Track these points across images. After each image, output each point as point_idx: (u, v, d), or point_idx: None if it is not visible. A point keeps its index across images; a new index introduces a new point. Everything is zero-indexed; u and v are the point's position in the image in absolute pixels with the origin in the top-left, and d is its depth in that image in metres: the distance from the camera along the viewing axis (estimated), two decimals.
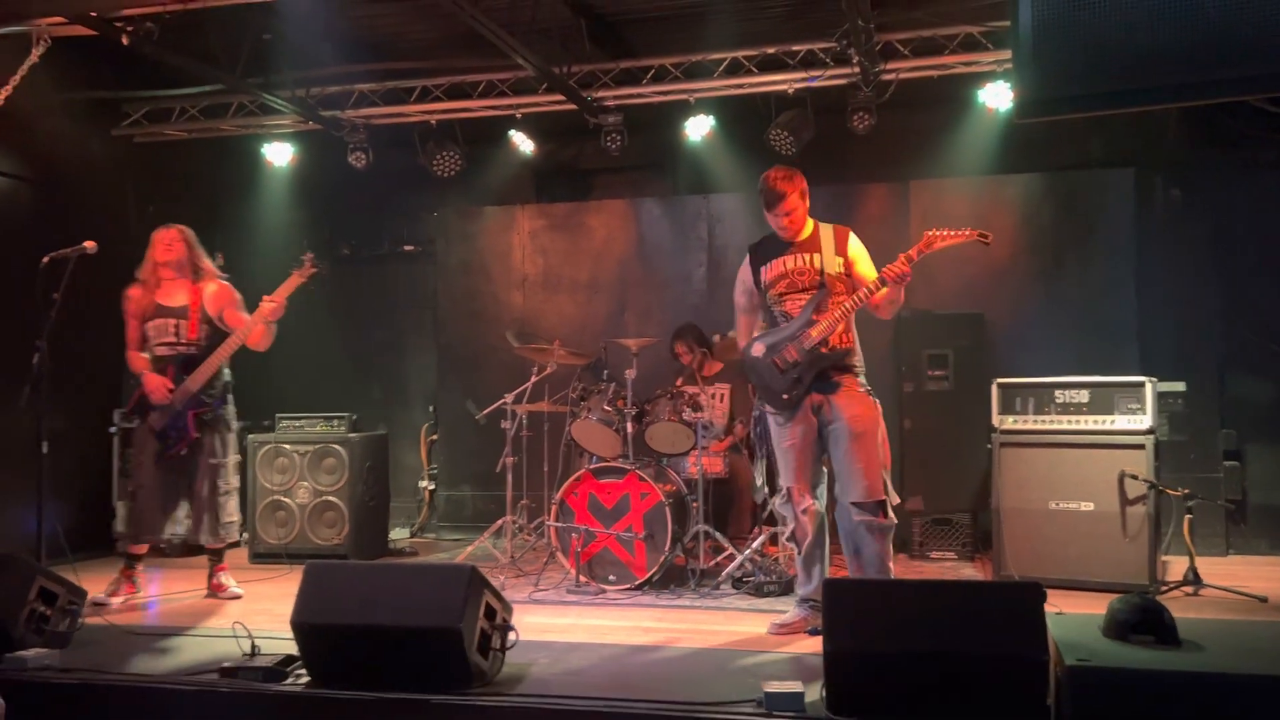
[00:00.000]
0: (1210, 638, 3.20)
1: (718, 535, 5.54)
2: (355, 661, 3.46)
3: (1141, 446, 5.13)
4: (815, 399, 4.35)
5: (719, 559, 5.62)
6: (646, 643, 4.27)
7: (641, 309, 7.50)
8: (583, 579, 5.35)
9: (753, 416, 4.68)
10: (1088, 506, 5.20)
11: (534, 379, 6.15)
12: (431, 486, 8.05)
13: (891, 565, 4.34)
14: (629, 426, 5.47)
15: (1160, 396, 5.53)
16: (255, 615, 4.82)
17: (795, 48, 6.46)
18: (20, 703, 3.57)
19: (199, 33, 6.07)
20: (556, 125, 7.45)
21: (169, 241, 5.27)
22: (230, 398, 5.38)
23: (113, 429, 6.74)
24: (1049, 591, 3.17)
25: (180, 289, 5.29)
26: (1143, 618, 3.18)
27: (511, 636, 3.60)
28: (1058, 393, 5.38)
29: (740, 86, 6.67)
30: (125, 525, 5.31)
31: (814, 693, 3.18)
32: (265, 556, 6.33)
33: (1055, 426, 5.34)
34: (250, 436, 6.51)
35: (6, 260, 6.00)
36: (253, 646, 3.69)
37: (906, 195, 7.04)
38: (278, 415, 6.71)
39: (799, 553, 4.45)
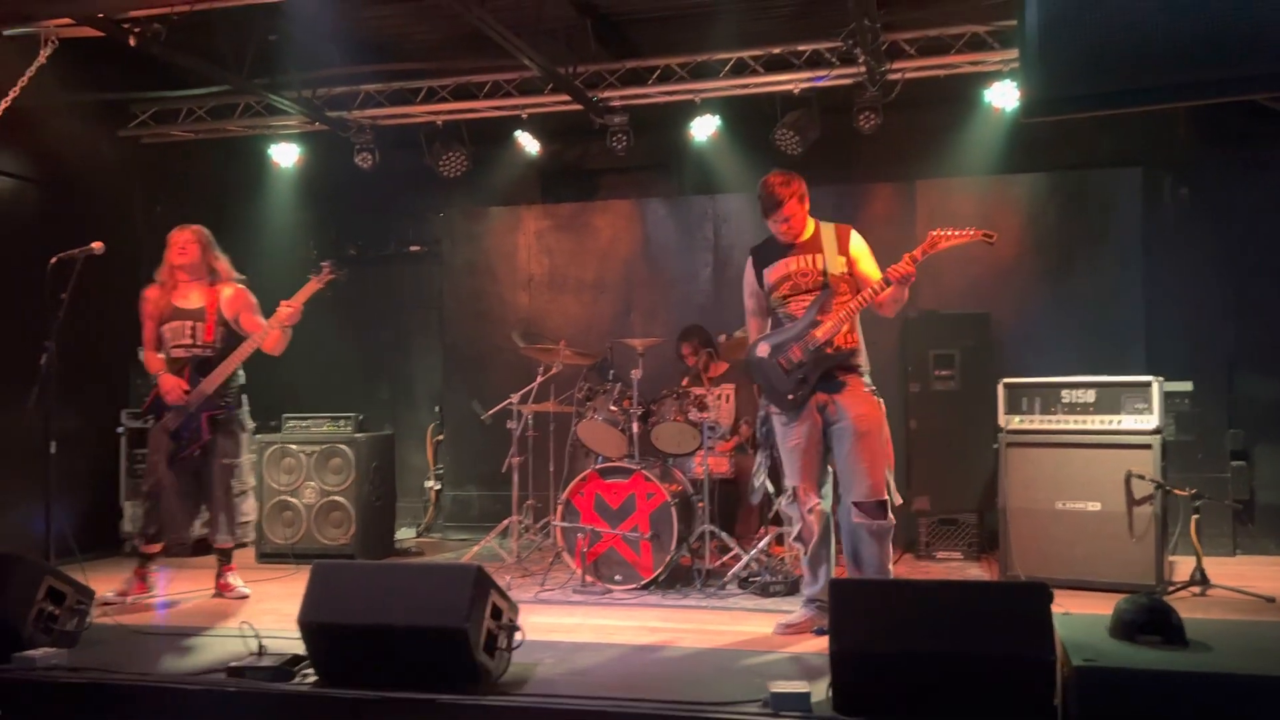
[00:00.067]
0: (1218, 638, 3.19)
1: (723, 535, 5.53)
2: (362, 661, 3.47)
3: (1148, 446, 5.12)
4: (820, 399, 4.35)
5: (725, 559, 5.62)
6: (652, 643, 4.27)
7: (647, 309, 7.50)
8: (588, 579, 5.36)
9: (759, 416, 4.68)
10: (1094, 506, 5.19)
11: (540, 379, 6.16)
12: (437, 486, 8.05)
13: (891, 567, 4.34)
14: (635, 427, 5.47)
15: (1167, 396, 5.51)
16: (262, 615, 4.83)
17: (801, 47, 6.45)
18: (28, 702, 3.59)
19: (206, 34, 6.09)
20: (562, 125, 7.45)
21: (183, 244, 5.27)
22: (245, 399, 5.40)
23: (120, 429, 6.76)
24: (1055, 592, 3.16)
25: (197, 291, 5.30)
26: (1150, 618, 3.17)
27: (517, 636, 3.60)
28: (1064, 392, 5.37)
29: (746, 86, 6.66)
30: (140, 524, 5.31)
31: (820, 693, 3.17)
32: (272, 556, 6.33)
33: (1062, 426, 5.33)
34: (257, 436, 6.51)
35: (14, 261, 6.02)
36: (260, 646, 3.69)
37: (913, 195, 7.03)
38: (284, 415, 6.72)
39: (805, 553, 4.45)
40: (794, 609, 4.54)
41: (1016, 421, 5.43)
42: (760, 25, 6.60)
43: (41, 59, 5.79)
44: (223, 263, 5.37)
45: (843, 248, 4.40)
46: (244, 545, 5.51)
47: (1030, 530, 5.30)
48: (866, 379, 4.39)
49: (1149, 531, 5.06)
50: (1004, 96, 6.39)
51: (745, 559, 5.35)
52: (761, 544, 5.45)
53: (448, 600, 3.39)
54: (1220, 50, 2.33)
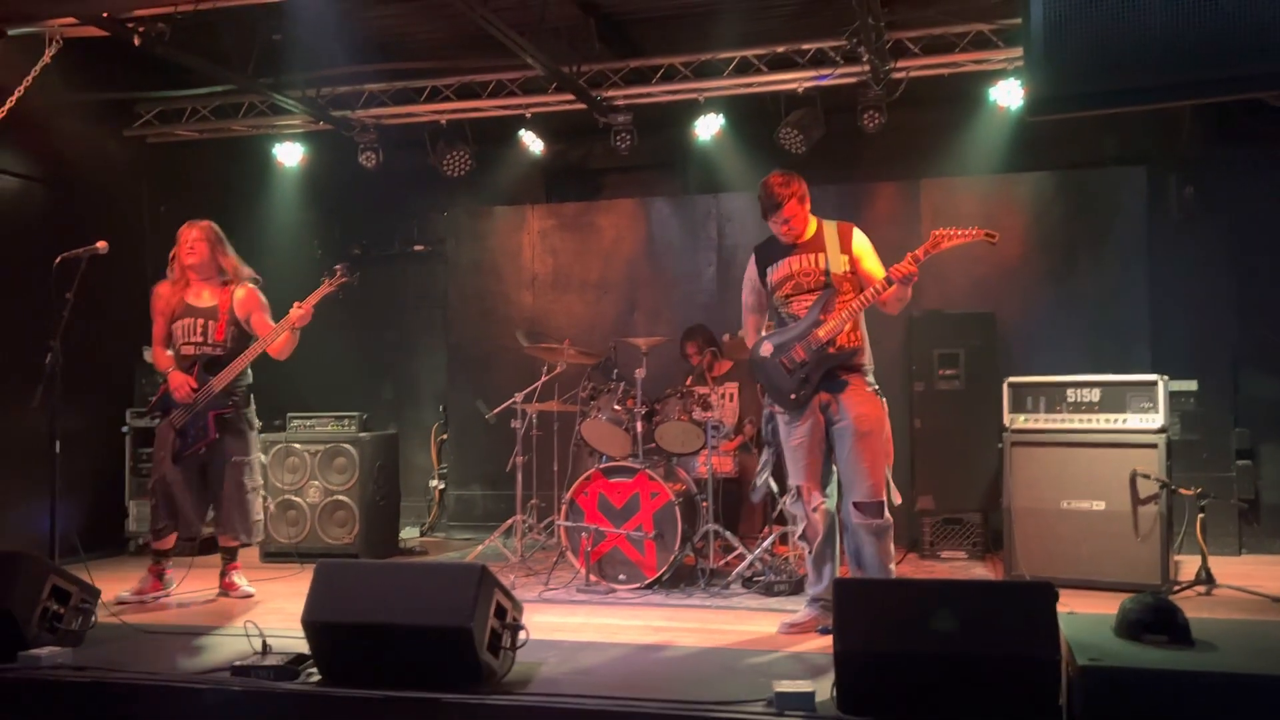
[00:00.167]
0: (1224, 638, 3.18)
1: (728, 534, 5.53)
2: (366, 660, 3.46)
3: (1154, 445, 5.11)
4: (823, 398, 4.35)
5: (729, 558, 5.62)
6: (656, 642, 4.27)
7: (651, 308, 7.50)
8: (592, 578, 5.36)
9: (763, 415, 4.67)
10: (1099, 506, 5.18)
11: (544, 378, 6.16)
12: (442, 486, 8.06)
13: (892, 566, 4.35)
14: (639, 426, 5.47)
15: (1172, 395, 5.51)
16: (266, 614, 4.84)
17: (805, 46, 6.44)
18: (33, 701, 3.60)
19: (210, 33, 6.09)
20: (566, 125, 7.45)
21: (190, 244, 5.26)
22: (251, 399, 5.41)
23: (125, 429, 6.77)
24: (1060, 591, 3.15)
25: (209, 290, 5.30)
26: (1156, 617, 3.17)
27: (522, 635, 3.60)
28: (1069, 392, 5.36)
29: (750, 85, 6.66)
30: (150, 520, 5.31)
31: (824, 692, 3.17)
32: (276, 555, 6.34)
33: (1067, 425, 5.32)
34: (262, 436, 6.52)
35: (19, 260, 6.04)
36: (264, 645, 3.69)
37: (917, 194, 7.02)
38: (289, 415, 6.72)
39: (809, 551, 4.44)
40: (798, 608, 4.54)
41: (1021, 420, 5.42)
42: (764, 24, 6.60)
43: (46, 59, 5.80)
44: (232, 260, 5.35)
45: (845, 246, 4.39)
46: (246, 545, 5.49)
47: (1035, 529, 5.29)
48: (869, 378, 4.39)
49: (1154, 531, 5.05)
50: (1008, 95, 6.38)
51: (749, 558, 5.35)
52: (765, 543, 5.44)
53: (452, 599, 3.39)
54: (1226, 48, 2.32)
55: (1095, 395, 5.30)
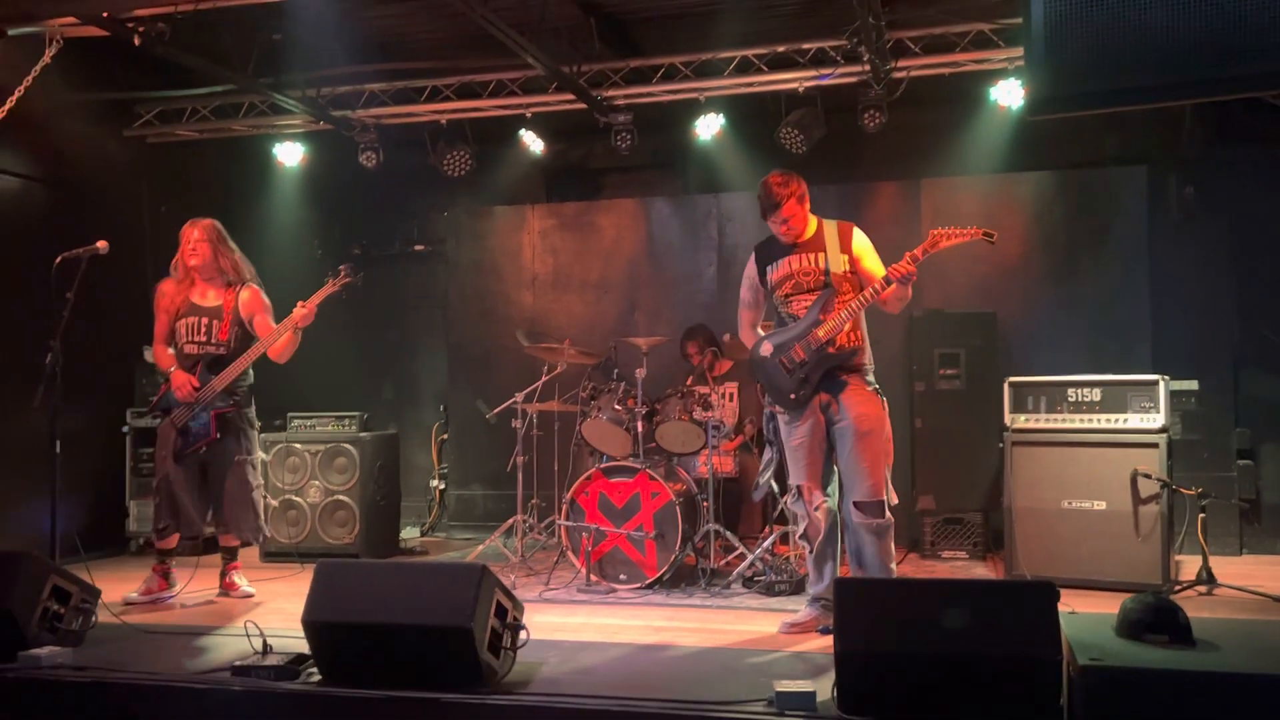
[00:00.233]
0: (1225, 637, 3.18)
1: (728, 534, 5.53)
2: (366, 660, 3.46)
3: (1155, 445, 5.11)
4: (823, 398, 4.35)
5: (730, 558, 5.62)
6: (657, 642, 4.27)
7: (651, 308, 7.50)
8: (593, 578, 5.36)
9: (764, 415, 4.67)
10: (1100, 505, 5.18)
11: (544, 378, 6.16)
12: (442, 486, 8.06)
13: (893, 565, 4.35)
14: (639, 426, 5.47)
15: (1173, 395, 5.50)
16: (267, 614, 4.84)
17: (805, 46, 6.44)
18: (33, 701, 3.59)
19: (210, 33, 6.09)
20: (566, 124, 7.45)
21: (193, 246, 5.24)
22: (252, 399, 5.40)
23: (125, 429, 6.77)
24: (1061, 591, 3.15)
25: (214, 290, 5.30)
26: (1157, 617, 3.16)
27: (522, 635, 3.60)
28: (1070, 391, 5.36)
29: (750, 85, 6.65)
30: (153, 520, 5.31)
31: (825, 692, 3.17)
32: (276, 555, 6.34)
33: (1068, 425, 5.32)
34: (262, 435, 6.53)
35: (20, 260, 6.04)
36: (264, 645, 3.69)
37: (918, 193, 7.02)
38: (289, 414, 6.73)
39: (810, 551, 4.44)
40: (799, 608, 4.54)
41: (1022, 420, 5.42)
42: (764, 24, 6.59)
43: (46, 58, 5.80)
44: (233, 259, 5.33)
45: (845, 246, 4.39)
46: (246, 545, 5.49)
47: (1036, 529, 5.29)
48: (870, 378, 4.39)
49: (1155, 530, 5.05)
50: (1009, 94, 6.38)
51: (750, 558, 5.35)
52: (766, 543, 5.44)
53: (452, 599, 3.39)
54: (1226, 48, 2.32)
55: (1096, 395, 5.30)
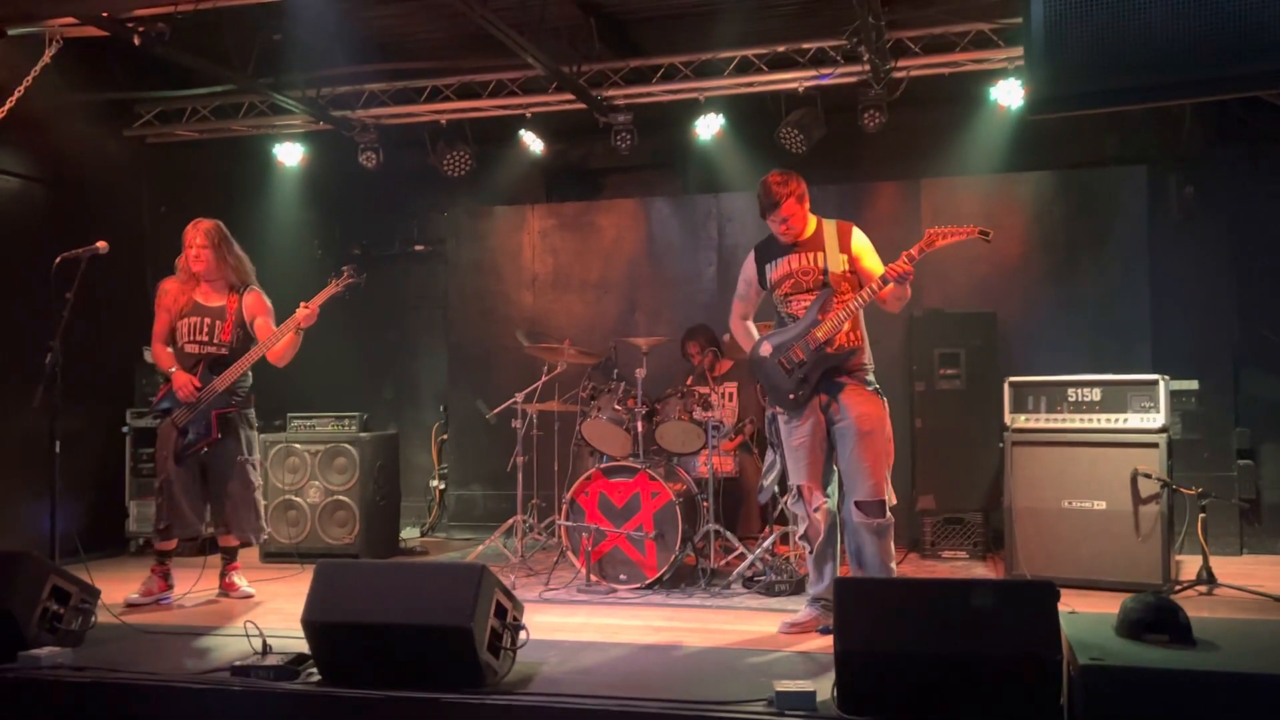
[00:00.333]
0: (1225, 637, 3.18)
1: (728, 534, 5.53)
2: (366, 660, 3.46)
3: (1155, 445, 5.11)
4: (823, 398, 4.35)
5: (730, 558, 5.62)
6: (657, 642, 4.26)
7: (651, 308, 7.50)
8: (593, 578, 5.35)
9: (766, 415, 4.67)
10: (1100, 505, 5.18)
11: (544, 378, 6.16)
12: (442, 486, 8.06)
13: (893, 565, 4.35)
14: (639, 426, 5.47)
15: (1174, 395, 5.50)
16: (267, 614, 4.84)
17: (805, 45, 6.44)
18: (32, 701, 3.59)
19: (210, 33, 6.09)
20: (566, 124, 7.45)
21: (196, 252, 5.22)
22: (253, 399, 5.41)
23: (125, 429, 6.77)
24: (1062, 591, 3.14)
25: (218, 290, 5.30)
26: (1157, 617, 3.16)
27: (522, 635, 3.60)
28: (1070, 391, 5.35)
29: (750, 85, 6.65)
30: (154, 521, 5.31)
31: (825, 692, 3.16)
32: (276, 556, 6.34)
33: (1068, 425, 5.32)
34: (261, 436, 6.52)
35: (19, 261, 6.04)
36: (264, 645, 3.69)
37: (918, 193, 7.01)
38: (289, 415, 6.72)
39: (810, 551, 4.44)
40: (799, 608, 4.54)
41: (1022, 420, 5.42)
42: (764, 23, 6.59)
43: (46, 59, 5.80)
44: (236, 261, 5.32)
45: (844, 245, 4.39)
46: (246, 545, 5.49)
47: (1036, 529, 5.29)
48: (869, 377, 4.39)
49: (1155, 530, 5.05)
50: (1009, 94, 6.38)
51: (750, 558, 5.35)
52: (766, 543, 5.44)
53: (452, 599, 3.39)
54: (1226, 47, 2.32)
55: (1096, 395, 5.29)
